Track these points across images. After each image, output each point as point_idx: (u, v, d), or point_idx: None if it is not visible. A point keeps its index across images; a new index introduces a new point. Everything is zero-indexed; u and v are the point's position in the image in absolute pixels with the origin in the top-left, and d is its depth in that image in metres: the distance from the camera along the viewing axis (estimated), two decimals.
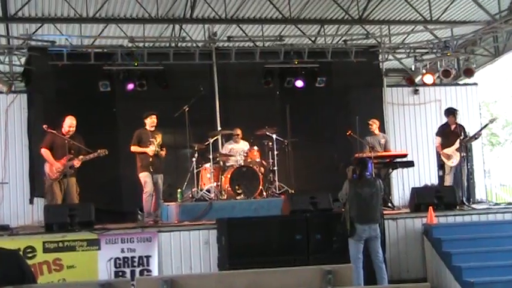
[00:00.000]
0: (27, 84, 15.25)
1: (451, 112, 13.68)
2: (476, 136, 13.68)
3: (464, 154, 13.46)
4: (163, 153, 12.17)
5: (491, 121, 14.03)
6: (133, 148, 12.19)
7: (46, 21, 15.58)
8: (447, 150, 13.27)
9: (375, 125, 14.26)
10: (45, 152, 11.89)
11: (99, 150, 11.74)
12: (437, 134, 13.76)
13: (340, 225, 9.70)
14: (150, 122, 12.22)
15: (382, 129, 15.19)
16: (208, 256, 10.64)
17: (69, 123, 11.91)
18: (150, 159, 11.95)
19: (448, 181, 13.33)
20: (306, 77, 15.82)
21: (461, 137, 13.17)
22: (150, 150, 12.01)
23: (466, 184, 13.58)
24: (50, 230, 10.50)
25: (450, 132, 13.43)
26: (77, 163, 11.69)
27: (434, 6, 16.29)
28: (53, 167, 11.72)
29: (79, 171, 12.06)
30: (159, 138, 12.17)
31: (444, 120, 13.92)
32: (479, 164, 17.54)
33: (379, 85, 16.84)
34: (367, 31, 16.86)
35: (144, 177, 12.03)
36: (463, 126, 13.54)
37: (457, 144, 13.19)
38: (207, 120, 15.07)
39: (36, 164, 14.39)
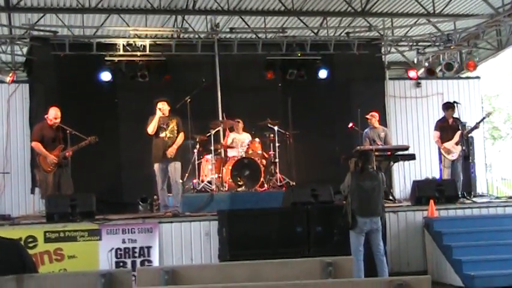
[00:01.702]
0: (29, 74, 15.27)
1: (449, 106, 13.67)
2: (473, 130, 13.77)
3: (465, 148, 13.47)
4: (172, 150, 11.57)
5: (488, 115, 14.07)
6: (150, 129, 11.71)
7: (48, 11, 15.54)
8: (447, 145, 13.27)
9: (374, 118, 14.24)
10: (36, 145, 11.76)
11: (89, 138, 11.67)
12: (436, 128, 13.67)
13: (342, 218, 9.70)
14: (161, 107, 11.79)
15: (383, 122, 15.19)
16: (209, 247, 10.65)
17: (54, 114, 11.75)
18: (160, 148, 11.60)
19: (446, 174, 13.36)
20: (308, 69, 15.81)
21: (461, 131, 13.23)
22: (158, 114, 11.73)
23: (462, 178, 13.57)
24: (51, 220, 10.50)
25: (448, 127, 13.44)
26: (68, 154, 11.65)
27: None
28: (47, 159, 11.65)
29: (80, 162, 12.03)
30: (172, 123, 11.78)
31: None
32: (481, 158, 17.53)
33: (381, 78, 16.83)
34: (370, 23, 16.82)
35: (155, 168, 11.71)
36: (459, 120, 13.55)
37: (456, 138, 13.21)
38: (208, 111, 15.04)
39: (35, 154, 14.44)
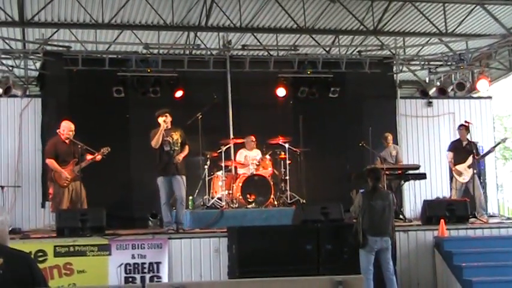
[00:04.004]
0: (41, 89, 15.33)
1: (462, 127, 13.72)
2: (487, 154, 13.80)
3: (476, 171, 13.43)
4: (180, 157, 11.53)
5: (504, 140, 14.06)
6: (154, 142, 11.55)
7: (62, 27, 15.66)
8: (459, 167, 13.32)
9: (390, 138, 14.37)
10: (51, 162, 11.81)
11: (102, 149, 11.70)
12: (449, 149, 13.81)
13: (352, 237, 9.67)
14: (165, 119, 11.62)
15: (394, 140, 15.19)
16: (219, 264, 10.62)
17: (68, 126, 11.85)
18: (165, 161, 11.48)
19: (455, 196, 13.38)
20: (320, 87, 15.81)
21: (474, 154, 13.22)
22: (162, 127, 11.52)
23: (482, 198, 13.49)
24: (61, 235, 10.50)
25: (462, 149, 13.48)
26: (88, 160, 11.70)
27: (450, 18, 16.27)
28: (61, 175, 11.71)
29: (90, 176, 12.05)
30: (176, 135, 11.65)
31: (457, 134, 13.91)
32: (492, 178, 17.48)
33: (392, 97, 16.82)
34: (382, 42, 16.85)
35: (160, 183, 11.55)
36: (475, 144, 13.54)
37: (469, 161, 13.21)
38: (220, 128, 15.07)
39: (49, 169, 14.48)
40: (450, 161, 13.62)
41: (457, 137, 13.89)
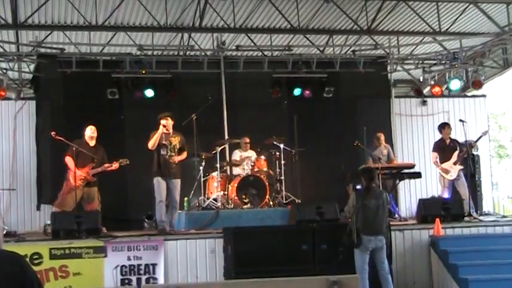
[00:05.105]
0: (35, 91, 15.30)
1: (444, 126, 13.77)
2: (471, 148, 13.82)
3: (462, 167, 13.44)
4: (175, 159, 11.63)
5: (484, 133, 14.08)
6: (150, 144, 11.61)
7: (55, 29, 15.64)
8: (445, 165, 13.38)
9: (382, 138, 14.40)
10: (69, 161, 11.91)
11: (120, 160, 11.80)
12: (434, 149, 13.84)
13: (346, 236, 9.68)
14: (165, 123, 11.64)
15: (389, 140, 15.21)
16: (214, 265, 10.62)
17: (87, 129, 12.07)
18: (161, 165, 11.53)
19: (447, 194, 13.41)
20: (314, 87, 15.80)
21: (458, 151, 13.28)
22: (160, 130, 11.54)
23: (468, 195, 13.51)
24: (57, 237, 10.50)
25: (446, 147, 13.55)
26: (100, 169, 11.86)
27: (443, 17, 16.30)
28: (75, 175, 11.73)
29: None
30: (175, 141, 11.70)
31: (452, 134, 13.92)
32: (487, 176, 17.48)
33: (387, 96, 16.83)
34: (376, 42, 16.85)
35: (156, 182, 11.60)
36: (457, 141, 13.62)
37: (454, 158, 13.29)
38: (214, 128, 15.06)
39: (43, 171, 14.46)
40: (435, 161, 13.67)
41: (453, 136, 13.91)
